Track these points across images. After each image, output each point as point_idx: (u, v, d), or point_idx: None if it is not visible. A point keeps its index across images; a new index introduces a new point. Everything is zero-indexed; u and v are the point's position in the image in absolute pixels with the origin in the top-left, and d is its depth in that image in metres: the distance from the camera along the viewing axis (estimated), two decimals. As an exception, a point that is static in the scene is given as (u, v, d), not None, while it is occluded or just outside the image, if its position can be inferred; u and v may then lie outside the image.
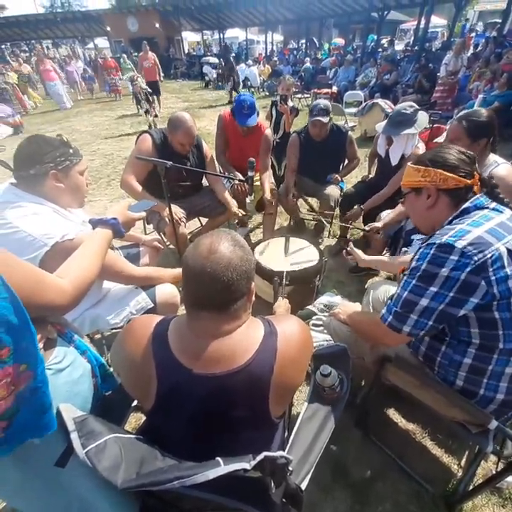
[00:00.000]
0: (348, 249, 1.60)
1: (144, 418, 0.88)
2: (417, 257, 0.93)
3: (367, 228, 1.98)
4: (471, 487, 1.15)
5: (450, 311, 0.88)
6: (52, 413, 0.66)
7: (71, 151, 1.15)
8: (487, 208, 0.92)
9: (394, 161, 2.25)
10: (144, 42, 8.55)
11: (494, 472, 1.14)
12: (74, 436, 0.60)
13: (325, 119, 2.37)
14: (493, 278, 0.82)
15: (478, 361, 0.93)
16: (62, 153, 1.11)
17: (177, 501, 0.81)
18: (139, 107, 7.79)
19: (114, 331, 1.41)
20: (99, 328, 1.40)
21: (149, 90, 7.24)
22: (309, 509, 1.19)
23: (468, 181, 0.93)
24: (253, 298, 0.72)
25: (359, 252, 1.57)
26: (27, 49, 19.80)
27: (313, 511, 1.19)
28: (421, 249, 0.93)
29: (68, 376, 0.82)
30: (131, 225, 1.17)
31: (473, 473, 1.12)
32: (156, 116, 7.26)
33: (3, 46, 20.23)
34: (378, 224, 1.96)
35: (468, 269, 0.82)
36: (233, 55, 13.38)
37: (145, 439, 0.69)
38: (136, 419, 1.43)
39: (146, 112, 7.23)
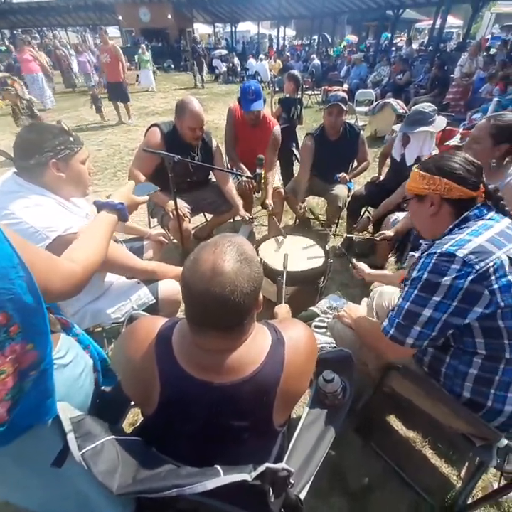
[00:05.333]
0: (353, 264, 1.63)
1: (140, 413, 0.86)
2: (417, 267, 0.93)
3: (377, 238, 1.94)
4: (470, 500, 1.13)
5: (454, 321, 0.87)
6: (54, 398, 0.65)
7: (71, 139, 1.10)
8: (484, 218, 0.92)
9: (409, 160, 2.20)
10: (100, 28, 6.01)
11: (496, 487, 1.12)
12: (70, 437, 0.58)
13: (344, 107, 2.33)
14: (495, 286, 0.81)
15: (484, 371, 0.91)
16: (62, 141, 1.07)
17: (174, 502, 0.80)
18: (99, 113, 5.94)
19: (114, 324, 1.40)
20: (100, 323, 1.38)
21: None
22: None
23: (474, 193, 0.93)
24: (261, 306, 0.68)
25: (364, 266, 1.60)
26: (38, 36, 19.63)
27: (309, 517, 1.17)
28: (421, 259, 0.92)
29: (71, 372, 0.80)
30: (134, 208, 1.17)
31: (473, 485, 1.11)
32: None
33: (14, 32, 20.16)
34: (390, 232, 1.92)
35: (470, 277, 0.82)
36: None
37: (143, 441, 0.67)
38: (133, 415, 1.42)
39: None
